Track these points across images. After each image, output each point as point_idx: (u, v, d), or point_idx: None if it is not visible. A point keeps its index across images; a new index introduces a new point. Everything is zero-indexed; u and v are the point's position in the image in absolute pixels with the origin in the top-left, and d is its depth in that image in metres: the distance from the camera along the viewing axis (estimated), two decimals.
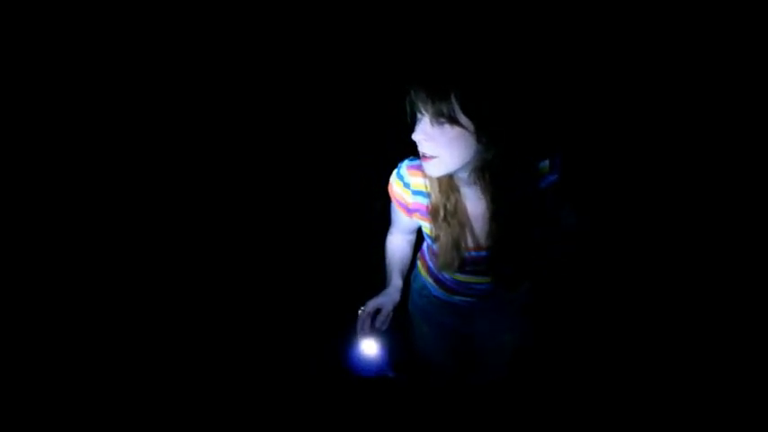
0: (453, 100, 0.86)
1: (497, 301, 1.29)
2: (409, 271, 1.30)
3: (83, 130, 2.51)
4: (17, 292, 2.08)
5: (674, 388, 1.78)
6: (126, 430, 1.71)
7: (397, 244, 1.23)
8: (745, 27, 2.32)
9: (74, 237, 2.30)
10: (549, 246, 1.14)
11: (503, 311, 1.33)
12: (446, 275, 1.22)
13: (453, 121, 0.87)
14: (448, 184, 1.02)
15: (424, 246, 1.29)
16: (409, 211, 1.10)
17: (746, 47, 2.34)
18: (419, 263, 1.35)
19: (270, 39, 2.62)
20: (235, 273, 2.23)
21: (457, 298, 1.27)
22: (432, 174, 0.95)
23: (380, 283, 1.17)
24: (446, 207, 1.03)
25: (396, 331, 1.15)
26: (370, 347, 1.08)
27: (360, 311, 1.07)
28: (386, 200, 1.16)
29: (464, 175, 0.97)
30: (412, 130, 0.93)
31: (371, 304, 1.08)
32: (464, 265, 1.10)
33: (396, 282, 1.16)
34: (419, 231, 1.22)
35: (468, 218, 1.06)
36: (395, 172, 1.09)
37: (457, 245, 1.06)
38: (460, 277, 1.20)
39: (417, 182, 1.06)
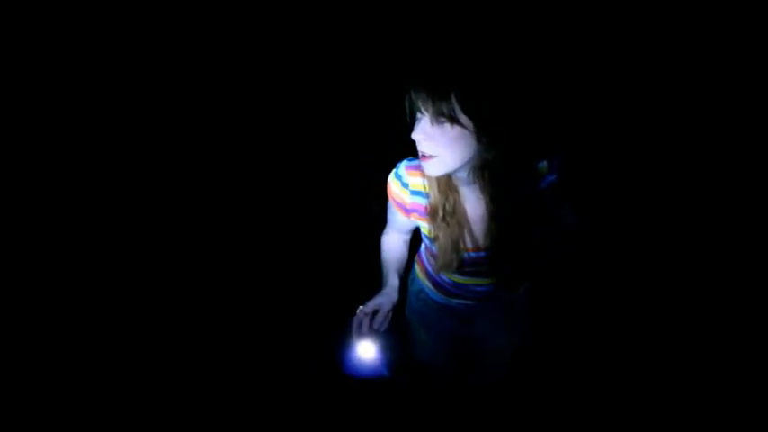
0: (454, 99, 0.86)
1: (496, 304, 1.28)
2: (406, 274, 1.29)
3: (83, 130, 2.51)
4: (17, 291, 2.08)
5: (675, 388, 1.78)
6: (126, 430, 1.71)
7: (393, 243, 1.22)
8: (745, 27, 2.32)
9: (73, 236, 2.30)
10: (549, 246, 1.14)
11: (502, 313, 1.32)
12: (444, 277, 1.21)
13: (453, 120, 0.87)
14: (446, 184, 1.02)
15: (422, 248, 1.29)
16: (407, 211, 1.10)
17: (746, 47, 2.34)
18: (416, 266, 1.34)
19: (270, 39, 2.62)
20: (234, 273, 2.23)
21: (455, 301, 1.26)
22: (431, 173, 0.94)
23: (379, 283, 1.16)
24: (445, 207, 1.02)
25: (394, 332, 1.14)
26: (367, 350, 1.06)
27: (357, 312, 1.06)
28: (383, 200, 1.15)
29: (463, 174, 0.97)
30: (411, 129, 0.92)
31: (370, 305, 1.07)
32: (463, 265, 1.09)
33: (393, 281, 1.14)
34: (415, 232, 1.22)
35: (466, 218, 1.05)
36: (393, 172, 1.08)
37: (456, 245, 1.06)
38: (459, 279, 1.19)
39: (416, 182, 1.05)
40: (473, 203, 1.04)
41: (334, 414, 1.75)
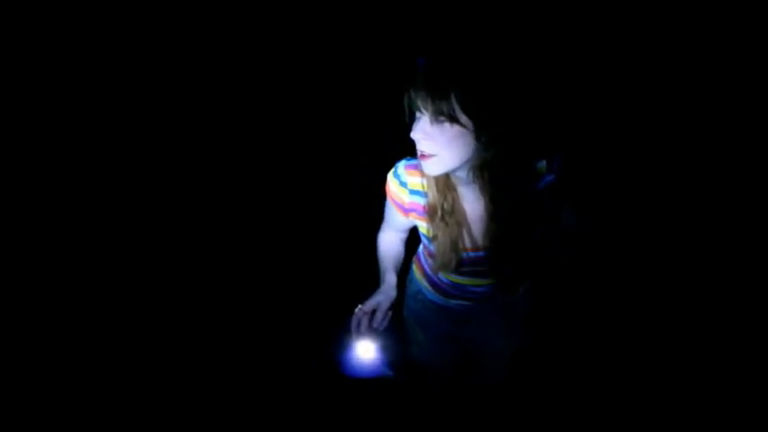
0: (453, 99, 0.85)
1: (495, 305, 1.28)
2: (404, 275, 1.29)
3: (82, 130, 2.51)
4: (17, 291, 2.08)
5: (675, 390, 1.78)
6: (126, 430, 1.71)
7: (390, 241, 1.22)
8: (745, 27, 2.31)
9: (73, 236, 2.30)
10: (549, 246, 1.14)
11: (500, 316, 1.32)
12: (442, 278, 1.21)
13: (453, 119, 0.87)
14: (445, 184, 1.01)
15: (420, 249, 1.28)
16: (406, 210, 1.10)
17: (746, 47, 2.34)
18: (414, 267, 1.34)
19: (270, 39, 2.62)
20: (234, 273, 2.23)
21: (453, 302, 1.26)
22: (430, 172, 0.94)
23: (378, 282, 1.16)
24: (443, 207, 1.02)
25: (394, 331, 1.14)
26: (367, 349, 1.06)
27: (356, 311, 1.05)
28: (381, 199, 1.15)
29: (462, 174, 0.97)
30: (410, 128, 0.92)
31: (368, 304, 1.06)
32: (461, 265, 1.09)
33: (390, 278, 1.14)
34: (413, 232, 1.21)
35: (465, 217, 1.05)
36: (392, 171, 1.08)
37: (454, 244, 1.06)
38: (457, 279, 1.19)
39: (414, 181, 1.05)
40: (472, 203, 1.04)
41: (334, 414, 1.75)
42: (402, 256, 1.23)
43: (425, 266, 1.26)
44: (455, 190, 1.03)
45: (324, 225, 2.38)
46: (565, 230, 1.14)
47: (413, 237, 1.23)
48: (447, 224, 1.04)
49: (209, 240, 2.37)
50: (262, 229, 2.42)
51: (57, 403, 1.76)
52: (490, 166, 0.94)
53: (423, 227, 1.11)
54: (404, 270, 1.28)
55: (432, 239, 1.09)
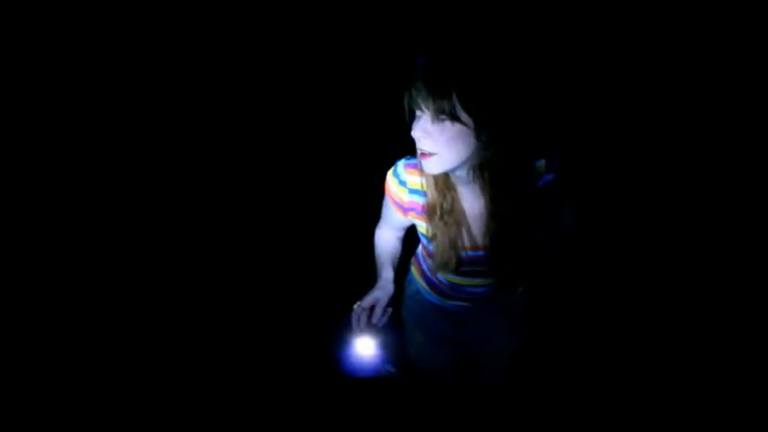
0: (455, 97, 0.85)
1: (493, 307, 1.28)
2: (402, 276, 1.29)
3: (82, 130, 2.51)
4: (17, 291, 2.08)
5: (675, 390, 1.78)
6: (126, 430, 1.71)
7: (387, 238, 1.22)
8: (745, 27, 2.31)
9: (72, 236, 2.30)
10: (549, 246, 1.14)
11: (499, 316, 1.31)
12: (440, 278, 1.20)
13: (454, 118, 0.87)
14: (444, 183, 1.01)
15: (419, 249, 1.28)
16: (405, 209, 1.10)
17: (746, 47, 2.34)
18: (413, 267, 1.34)
19: (269, 38, 2.62)
20: (234, 273, 2.23)
21: (451, 303, 1.26)
22: (430, 171, 0.94)
23: (376, 280, 1.16)
24: (442, 206, 1.02)
25: (393, 327, 1.13)
26: (366, 346, 1.05)
27: (355, 308, 1.05)
28: (380, 198, 1.15)
29: (462, 173, 0.97)
30: (409, 128, 0.92)
31: (367, 300, 1.06)
32: (461, 264, 1.09)
33: (387, 274, 1.15)
34: (412, 233, 1.21)
35: (464, 217, 1.05)
36: (391, 170, 1.08)
37: (453, 244, 1.05)
38: (455, 279, 1.18)
39: (414, 180, 1.05)
40: (471, 202, 1.04)
41: (335, 413, 1.75)
42: (399, 252, 1.24)
43: (424, 267, 1.26)
44: (454, 190, 1.03)
45: (324, 225, 2.38)
46: (565, 230, 1.14)
47: (412, 237, 1.23)
48: (446, 223, 1.03)
49: (209, 240, 2.37)
50: (262, 228, 2.42)
51: (56, 403, 1.76)
52: (490, 166, 0.94)
53: (421, 226, 1.11)
54: (403, 271, 1.28)
55: (431, 239, 1.08)
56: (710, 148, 2.41)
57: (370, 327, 1.04)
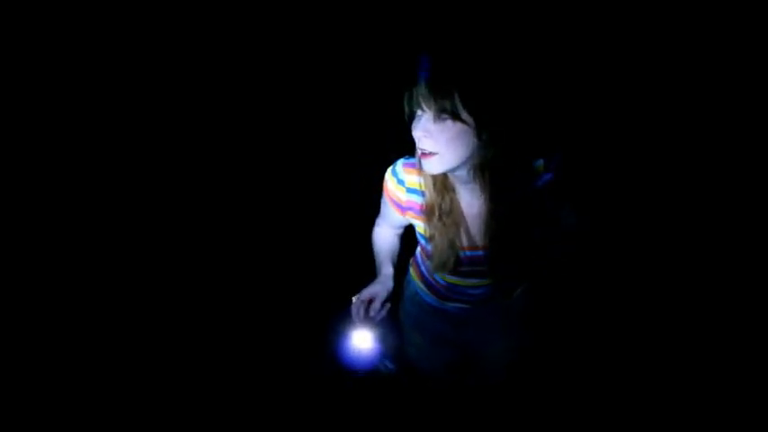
0: (457, 96, 0.85)
1: (492, 308, 1.27)
2: (401, 276, 1.28)
3: (82, 129, 2.51)
4: (17, 291, 2.08)
5: (675, 390, 1.78)
6: (126, 430, 1.71)
7: (386, 236, 1.23)
8: (745, 27, 2.31)
9: (71, 236, 2.30)
10: (549, 246, 1.14)
11: (498, 316, 1.31)
12: (439, 279, 1.20)
13: (456, 117, 0.86)
14: (443, 184, 1.02)
15: (417, 251, 1.28)
16: (402, 209, 1.10)
17: (746, 47, 2.34)
18: (411, 269, 1.34)
19: (269, 38, 2.62)
20: (234, 273, 2.23)
21: (449, 305, 1.26)
22: (431, 171, 0.94)
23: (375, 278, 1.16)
24: (441, 207, 1.02)
25: (392, 323, 1.13)
26: (364, 339, 1.05)
27: (354, 300, 1.05)
28: (379, 196, 1.15)
29: (462, 173, 0.97)
30: (409, 128, 0.92)
31: (365, 293, 1.06)
32: (460, 264, 1.09)
33: (387, 270, 1.15)
34: (410, 232, 1.21)
35: (463, 217, 1.05)
36: (390, 169, 1.09)
37: (452, 244, 1.06)
38: (453, 280, 1.18)
39: (412, 180, 1.05)
40: (469, 202, 1.04)
41: (335, 413, 1.74)
42: (398, 248, 1.24)
43: (422, 269, 1.25)
44: (453, 190, 1.03)
45: (323, 225, 2.38)
46: (565, 230, 1.14)
47: (411, 238, 1.23)
48: (444, 224, 1.04)
49: (209, 239, 2.37)
50: (262, 228, 2.42)
51: (56, 403, 1.76)
52: (490, 165, 0.94)
53: (419, 226, 1.11)
54: (402, 271, 1.28)
55: (429, 239, 1.08)
56: (710, 148, 2.41)
57: (368, 319, 1.04)
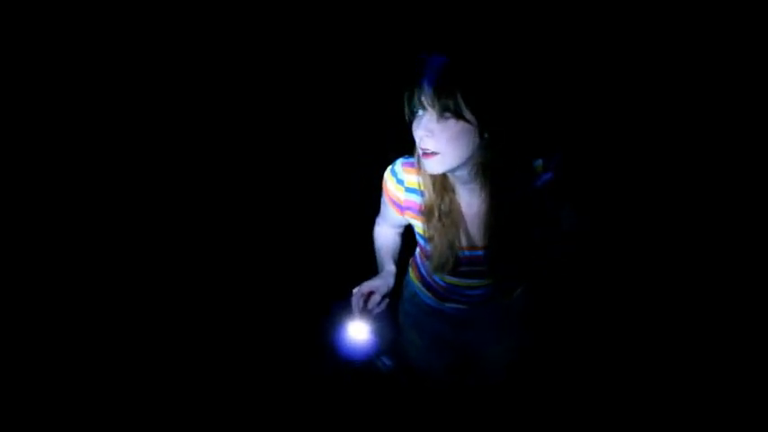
0: (460, 95, 0.85)
1: (491, 309, 1.27)
2: (401, 279, 1.28)
3: (82, 129, 2.51)
4: (17, 292, 2.08)
5: (675, 390, 1.78)
6: (126, 430, 1.71)
7: (386, 234, 1.23)
8: (745, 27, 2.31)
9: (71, 236, 2.30)
10: (549, 246, 1.14)
11: (497, 318, 1.31)
12: (437, 279, 1.20)
13: (458, 116, 0.86)
14: (442, 184, 1.01)
15: (416, 252, 1.28)
16: (401, 208, 1.10)
17: (746, 47, 2.34)
18: (410, 270, 1.34)
19: (269, 38, 2.62)
20: (234, 273, 2.23)
21: (448, 305, 1.26)
22: (432, 170, 0.94)
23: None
24: (440, 207, 1.02)
25: (391, 320, 1.13)
26: (360, 330, 1.05)
27: (354, 292, 1.05)
28: (379, 196, 1.15)
29: (463, 173, 0.97)
30: (409, 128, 0.92)
31: (366, 285, 1.06)
32: (459, 264, 1.09)
33: (389, 267, 1.15)
34: (409, 232, 1.21)
35: (462, 217, 1.05)
36: (389, 168, 1.09)
37: (451, 245, 1.05)
38: (452, 281, 1.18)
39: (411, 179, 1.05)
40: (468, 201, 1.04)
41: (334, 414, 1.74)
42: (399, 246, 1.24)
43: (421, 269, 1.25)
44: (452, 190, 1.03)
45: (324, 225, 2.38)
46: (565, 230, 1.14)
47: (410, 238, 1.23)
48: (444, 224, 1.03)
49: (210, 241, 2.37)
50: (262, 228, 2.42)
51: (56, 403, 1.76)
52: (491, 165, 0.94)
53: (418, 226, 1.11)
54: (401, 272, 1.28)
55: (428, 240, 1.08)
56: (710, 148, 2.41)
57: (366, 311, 1.04)
